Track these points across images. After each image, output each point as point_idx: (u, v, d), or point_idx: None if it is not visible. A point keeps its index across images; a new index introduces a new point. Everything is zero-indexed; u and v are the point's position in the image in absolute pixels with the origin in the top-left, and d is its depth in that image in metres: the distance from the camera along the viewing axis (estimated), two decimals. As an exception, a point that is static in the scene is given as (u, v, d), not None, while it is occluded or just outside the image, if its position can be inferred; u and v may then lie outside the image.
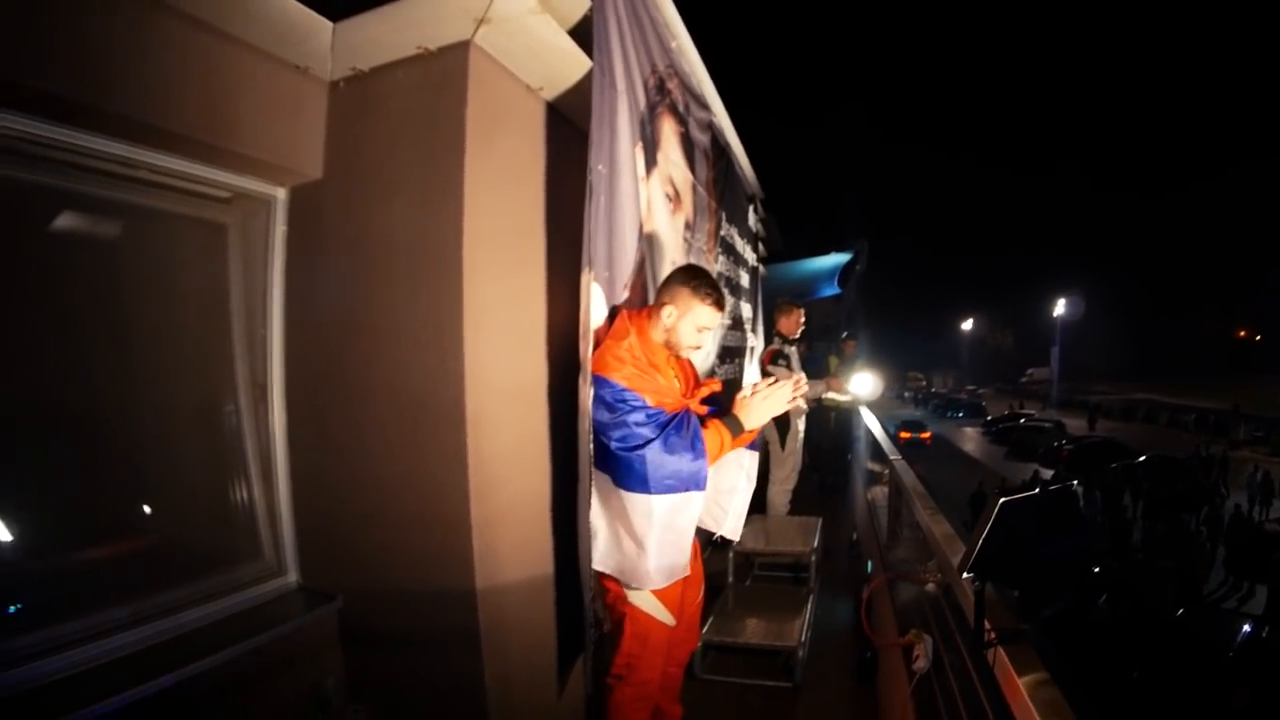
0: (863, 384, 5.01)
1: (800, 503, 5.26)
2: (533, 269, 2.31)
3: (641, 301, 2.45)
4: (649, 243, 2.60)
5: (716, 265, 3.77)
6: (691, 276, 2.23)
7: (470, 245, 1.97)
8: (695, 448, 2.02)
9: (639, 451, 1.98)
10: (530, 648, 2.30)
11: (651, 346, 2.18)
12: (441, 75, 2.03)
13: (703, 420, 2.10)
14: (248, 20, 1.93)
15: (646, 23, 2.51)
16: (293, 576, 2.38)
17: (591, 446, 2.08)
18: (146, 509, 2.17)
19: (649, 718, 2.45)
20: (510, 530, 2.17)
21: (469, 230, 1.97)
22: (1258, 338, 64.41)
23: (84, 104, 1.65)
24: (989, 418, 35.43)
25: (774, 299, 5.35)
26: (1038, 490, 1.66)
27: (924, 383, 66.73)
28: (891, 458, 3.93)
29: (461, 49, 1.99)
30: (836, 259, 9.06)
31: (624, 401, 2.00)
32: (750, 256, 5.03)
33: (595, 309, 2.16)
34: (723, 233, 3.89)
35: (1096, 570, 9.46)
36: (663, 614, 2.26)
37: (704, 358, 3.28)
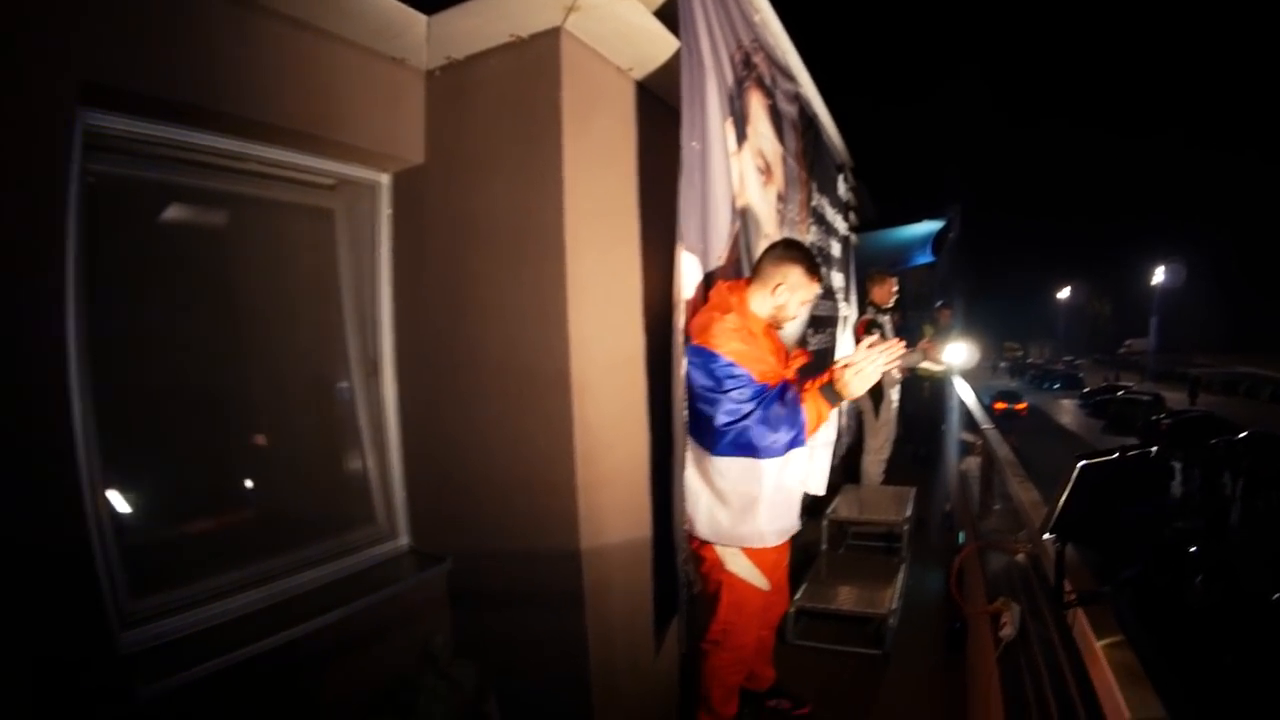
0: (957, 353, 4.91)
1: (894, 473, 5.25)
2: (629, 244, 2.36)
3: (735, 274, 2.48)
4: (743, 216, 2.62)
5: (809, 236, 3.75)
6: (801, 253, 2.28)
7: (571, 223, 2.03)
8: (796, 418, 2.08)
9: (744, 422, 2.06)
10: (630, 608, 2.37)
11: (752, 318, 2.23)
12: (535, 61, 2.07)
13: (800, 391, 2.14)
14: (345, 18, 2.00)
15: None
16: (404, 540, 2.51)
17: (686, 413, 2.15)
18: (268, 480, 2.31)
19: (743, 680, 2.53)
20: (613, 494, 2.24)
21: (569, 209, 2.03)
22: (1369, 311, 59.31)
23: (196, 105, 1.75)
24: (1086, 389, 33.92)
25: (866, 268, 5.29)
26: (1117, 454, 1.68)
27: (1020, 353, 64.00)
28: (984, 427, 3.86)
29: (553, 35, 2.03)
30: (929, 226, 8.86)
31: (732, 376, 2.07)
32: (841, 226, 4.96)
33: (689, 281, 2.22)
34: (814, 203, 3.87)
35: (1193, 550, 9.01)
36: (758, 579, 2.32)
37: (797, 327, 3.29)
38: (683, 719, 2.56)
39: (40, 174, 1.46)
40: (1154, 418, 22.67)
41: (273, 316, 2.34)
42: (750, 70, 2.73)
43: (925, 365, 5.18)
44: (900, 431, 5.58)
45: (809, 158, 3.70)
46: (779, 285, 2.23)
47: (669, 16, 2.14)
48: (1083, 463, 1.59)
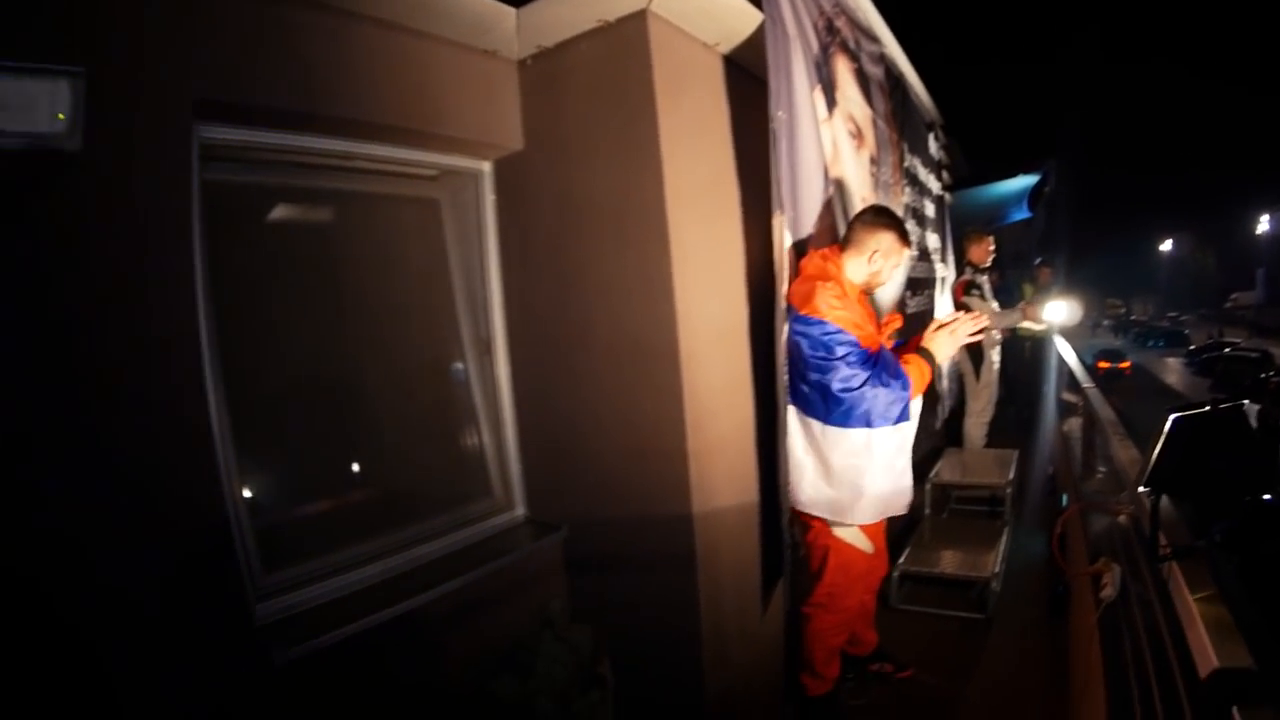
0: (1058, 312, 4.73)
1: (997, 435, 5.14)
2: (728, 217, 2.41)
3: (831, 240, 2.50)
4: (838, 182, 2.63)
5: (904, 198, 3.70)
6: (891, 218, 2.30)
7: (672, 199, 2.09)
8: (903, 382, 2.10)
9: (859, 391, 2.09)
10: (738, 572, 2.43)
11: (849, 285, 2.25)
12: (624, 44, 2.12)
13: (901, 355, 2.15)
14: (437, 17, 2.08)
15: None
16: (520, 510, 2.64)
17: (786, 379, 2.19)
18: (389, 459, 2.47)
19: (845, 643, 2.58)
20: (721, 460, 2.30)
21: (669, 185, 2.08)
22: None
23: (301, 112, 1.88)
24: (1191, 347, 31.98)
25: (962, 227, 5.15)
26: (1208, 407, 1.70)
27: (1123, 310, 60.41)
28: (1085, 387, 3.75)
29: (639, 18, 2.07)
30: (1024, 181, 8.46)
31: (842, 344, 2.10)
32: (934, 185, 4.82)
33: (786, 250, 2.26)
34: (906, 164, 3.80)
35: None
36: (863, 542, 2.35)
37: (894, 290, 3.26)
38: (787, 681, 2.62)
39: (168, 187, 1.59)
40: (1262, 375, 21.21)
41: (387, 304, 2.48)
42: (834, 35, 2.71)
43: (1025, 325, 5.03)
44: (1002, 393, 5.44)
45: (899, 119, 3.63)
46: (875, 252, 2.24)
47: (751, -11, 2.16)
48: (1175, 415, 1.63)
